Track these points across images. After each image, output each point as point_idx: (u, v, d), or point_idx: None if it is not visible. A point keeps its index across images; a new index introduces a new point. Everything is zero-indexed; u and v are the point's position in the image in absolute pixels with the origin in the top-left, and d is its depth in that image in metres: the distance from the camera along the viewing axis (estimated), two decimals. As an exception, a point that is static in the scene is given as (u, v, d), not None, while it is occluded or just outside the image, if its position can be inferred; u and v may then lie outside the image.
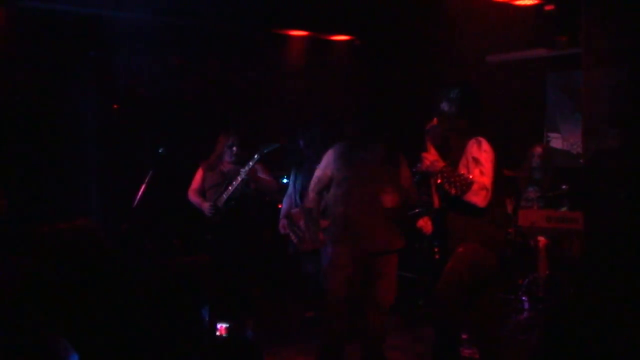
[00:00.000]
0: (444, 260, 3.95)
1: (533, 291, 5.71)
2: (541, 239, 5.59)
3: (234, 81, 7.30)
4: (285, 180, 7.22)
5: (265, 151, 5.37)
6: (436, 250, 4.06)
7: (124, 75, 6.58)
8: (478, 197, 3.71)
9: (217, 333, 3.22)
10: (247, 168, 5.43)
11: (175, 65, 6.98)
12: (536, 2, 6.03)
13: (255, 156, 5.36)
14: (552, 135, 7.03)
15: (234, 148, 5.59)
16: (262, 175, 5.61)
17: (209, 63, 7.21)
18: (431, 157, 3.79)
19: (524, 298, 5.71)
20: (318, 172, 4.59)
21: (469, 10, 6.12)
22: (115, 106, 6.67)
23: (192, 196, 5.66)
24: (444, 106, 4.01)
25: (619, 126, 4.04)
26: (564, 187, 5.69)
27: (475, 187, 3.67)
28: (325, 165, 4.52)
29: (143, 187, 5.43)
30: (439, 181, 3.72)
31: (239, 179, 5.46)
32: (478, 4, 6.03)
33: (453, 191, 3.66)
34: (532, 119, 7.04)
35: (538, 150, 6.13)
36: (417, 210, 4.85)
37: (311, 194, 4.66)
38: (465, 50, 6.90)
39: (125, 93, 6.62)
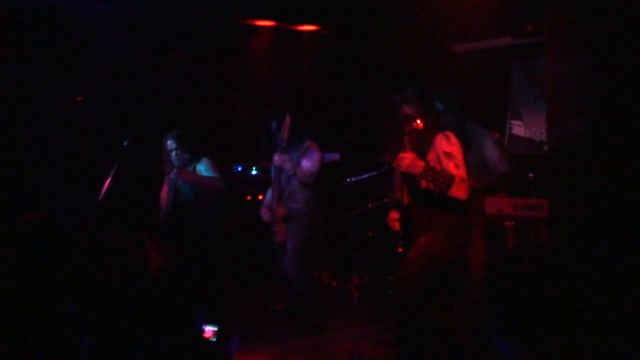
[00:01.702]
0: (406, 253, 3.96)
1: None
2: (508, 223, 5.63)
3: (200, 73, 7.24)
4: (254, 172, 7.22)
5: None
6: (400, 243, 4.05)
7: (89, 66, 6.48)
8: (460, 191, 3.75)
9: (204, 336, 3.17)
10: (174, 172, 5.43)
11: (143, 56, 6.89)
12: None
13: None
14: (515, 122, 7.08)
15: (173, 152, 5.54)
16: (211, 172, 5.56)
17: (175, 54, 7.14)
18: (410, 157, 3.75)
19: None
20: None
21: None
22: (79, 98, 6.57)
23: (161, 199, 5.70)
24: (407, 109, 4.03)
25: (583, 114, 4.08)
26: (530, 175, 5.73)
27: (456, 181, 3.69)
28: None
29: (108, 180, 5.37)
30: (423, 183, 3.71)
31: (172, 184, 5.48)
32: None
33: (438, 189, 3.66)
34: (496, 107, 7.09)
35: (495, 136, 6.16)
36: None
37: None
38: (431, 40, 6.92)
39: (90, 85, 6.53)
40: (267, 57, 7.47)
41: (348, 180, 6.58)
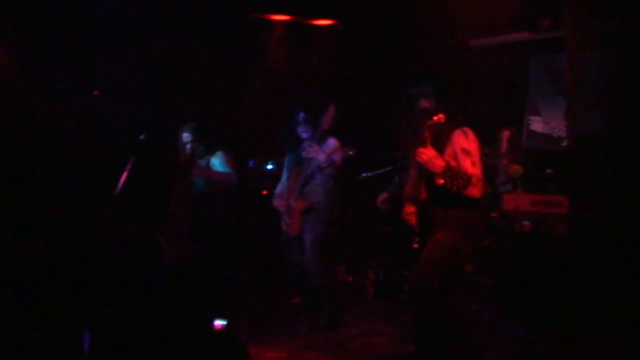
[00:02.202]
0: (422, 248, 3.95)
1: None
2: (526, 223, 5.60)
3: (216, 67, 7.24)
4: (269, 167, 7.22)
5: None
6: (416, 239, 4.04)
7: (105, 61, 6.49)
8: (476, 190, 3.75)
9: (213, 330, 3.19)
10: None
11: (158, 51, 6.90)
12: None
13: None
14: (533, 118, 7.04)
15: (189, 144, 5.56)
16: (225, 166, 5.56)
17: (191, 49, 7.14)
18: (430, 154, 3.72)
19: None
20: None
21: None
22: (95, 92, 6.59)
23: None
24: (424, 103, 4.01)
25: (602, 110, 4.04)
26: (548, 171, 5.70)
27: (473, 180, 3.67)
28: None
29: (125, 174, 5.37)
30: (441, 181, 3.69)
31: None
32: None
33: (455, 188, 3.64)
34: (514, 103, 7.05)
35: (506, 134, 6.12)
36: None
37: None
38: (448, 34, 6.89)
39: (106, 79, 6.54)
40: (282, 52, 7.45)
41: (363, 175, 6.56)
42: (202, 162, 5.65)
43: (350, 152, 6.97)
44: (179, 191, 5.07)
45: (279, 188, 5.65)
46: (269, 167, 7.18)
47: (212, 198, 5.63)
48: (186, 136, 5.60)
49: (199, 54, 7.16)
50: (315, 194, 5.36)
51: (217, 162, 5.64)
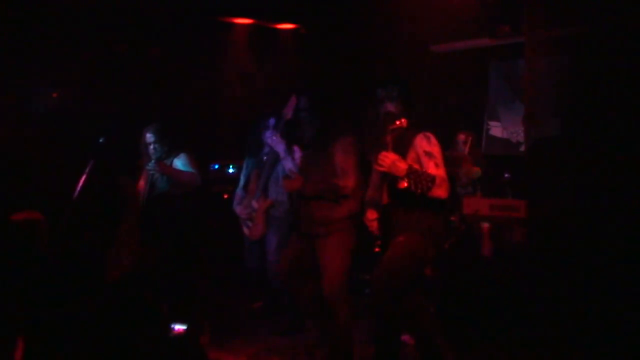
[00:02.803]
0: (384, 252, 3.97)
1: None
2: (485, 224, 5.67)
3: (179, 69, 7.18)
4: (231, 170, 7.19)
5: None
6: (378, 243, 4.06)
7: (65, 61, 6.39)
8: (441, 190, 3.76)
9: (173, 334, 3.15)
10: (152, 163, 5.44)
11: (121, 52, 6.82)
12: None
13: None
14: (492, 123, 7.13)
15: (151, 145, 5.55)
16: (189, 167, 5.54)
17: (154, 51, 7.07)
18: (392, 157, 3.74)
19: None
20: None
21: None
22: (54, 94, 6.48)
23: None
24: (389, 107, 4.03)
25: (560, 115, 4.11)
26: (506, 175, 5.77)
27: (437, 181, 3.70)
28: None
29: (83, 177, 5.29)
30: (404, 184, 3.70)
31: (149, 178, 5.48)
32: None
33: (419, 190, 3.66)
34: (474, 108, 7.13)
35: (461, 137, 6.18)
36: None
37: None
38: (409, 39, 6.94)
39: (66, 80, 6.44)
40: (246, 55, 7.43)
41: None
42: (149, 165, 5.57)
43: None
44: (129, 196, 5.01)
45: (238, 194, 5.63)
46: (231, 170, 7.15)
47: (171, 199, 5.58)
48: (149, 137, 5.56)
49: (161, 56, 7.08)
50: (278, 194, 5.35)
51: (180, 164, 5.59)
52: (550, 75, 4.13)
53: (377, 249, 4.12)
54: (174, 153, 5.62)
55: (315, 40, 7.62)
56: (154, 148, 5.54)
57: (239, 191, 5.64)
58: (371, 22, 6.93)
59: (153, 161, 5.47)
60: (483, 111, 7.18)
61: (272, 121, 5.35)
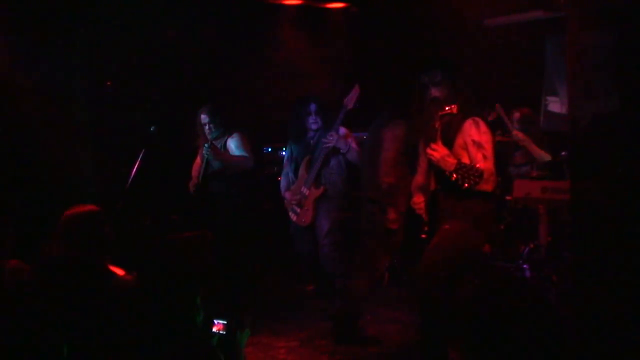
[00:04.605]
0: (430, 239, 3.91)
1: (534, 258, 5.66)
2: (541, 206, 5.52)
3: (229, 53, 7.19)
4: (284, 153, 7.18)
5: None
6: (425, 229, 4.00)
7: (117, 50, 6.47)
8: (488, 185, 3.73)
9: (214, 329, 3.19)
10: (206, 146, 5.51)
11: (170, 37, 6.87)
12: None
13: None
14: (550, 99, 6.90)
15: (206, 125, 5.64)
16: (241, 149, 5.59)
17: (204, 35, 7.09)
18: (442, 151, 3.70)
19: (525, 266, 5.66)
20: None
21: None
22: (109, 83, 6.59)
23: (193, 171, 5.81)
24: (435, 92, 3.94)
25: (597, 94, 3.93)
26: (563, 153, 5.59)
27: (485, 175, 3.63)
28: None
29: (136, 165, 5.41)
30: (453, 177, 3.64)
31: (205, 157, 5.55)
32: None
33: (466, 185, 3.60)
34: (531, 83, 6.91)
35: (516, 115, 6.02)
36: None
37: None
38: (463, 14, 6.76)
39: (118, 69, 6.53)
40: (296, 37, 7.39)
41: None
42: (218, 144, 5.71)
43: (365, 137, 6.91)
44: None
45: (284, 180, 5.64)
46: (284, 153, 7.14)
47: (226, 178, 5.71)
48: (204, 117, 5.67)
49: (212, 39, 7.09)
50: (331, 181, 5.37)
51: (233, 144, 5.70)
52: (595, 51, 3.92)
53: (423, 235, 4.07)
54: (228, 133, 5.72)
55: (366, 19, 7.50)
56: (209, 128, 5.66)
57: (284, 177, 5.65)
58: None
59: (208, 145, 5.56)
60: (540, 86, 6.95)
61: (313, 107, 5.32)
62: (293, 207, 5.50)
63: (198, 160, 5.80)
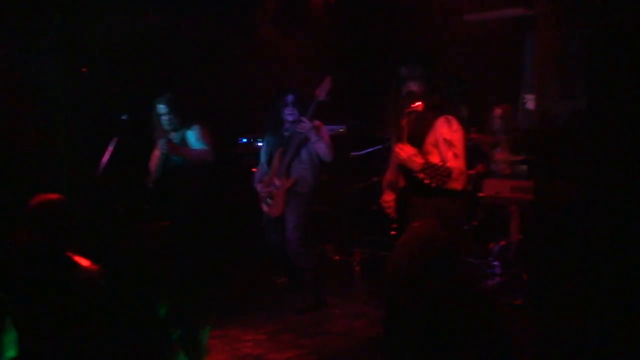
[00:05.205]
0: (400, 236, 3.90)
1: (505, 256, 5.67)
2: (513, 205, 5.53)
3: (208, 43, 7.12)
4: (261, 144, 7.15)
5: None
6: (394, 226, 4.00)
7: (95, 36, 6.39)
8: (458, 183, 3.73)
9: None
10: (162, 141, 5.35)
11: (150, 25, 6.78)
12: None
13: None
14: (528, 97, 6.88)
15: (164, 116, 5.44)
16: (201, 142, 5.47)
17: (182, 24, 7.02)
18: (408, 151, 3.71)
19: (495, 263, 5.68)
20: None
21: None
22: (84, 70, 6.49)
23: (151, 164, 5.62)
24: (412, 86, 3.92)
25: (566, 94, 3.93)
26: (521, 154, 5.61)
27: (454, 174, 3.65)
28: None
29: (107, 154, 5.36)
30: (420, 176, 3.65)
31: (162, 150, 5.40)
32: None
33: (434, 184, 3.62)
34: (510, 80, 6.91)
35: (497, 111, 6.02)
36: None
37: None
38: (443, 8, 6.76)
39: (94, 56, 6.44)
40: (274, 28, 7.34)
41: (352, 154, 6.49)
42: (176, 136, 5.51)
43: (341, 130, 6.91)
44: None
45: (259, 172, 5.60)
46: (260, 144, 7.11)
47: (185, 172, 5.51)
48: (162, 108, 5.44)
49: (191, 27, 7.01)
50: (301, 174, 5.33)
51: (192, 137, 5.49)
52: (566, 50, 3.92)
53: (393, 232, 4.07)
54: (187, 125, 5.50)
55: (346, 11, 7.46)
56: (167, 119, 5.43)
57: (260, 168, 5.62)
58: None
59: (164, 140, 5.37)
60: (519, 84, 6.95)
61: (290, 98, 5.28)
62: (266, 198, 5.48)
63: (156, 153, 5.59)
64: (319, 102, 5.13)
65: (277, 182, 5.36)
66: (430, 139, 3.84)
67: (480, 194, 5.63)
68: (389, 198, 4.20)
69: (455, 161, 3.73)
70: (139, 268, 3.12)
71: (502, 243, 5.68)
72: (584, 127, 3.71)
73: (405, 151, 3.70)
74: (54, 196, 3.41)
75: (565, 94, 3.90)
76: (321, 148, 5.22)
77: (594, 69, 3.68)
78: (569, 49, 3.88)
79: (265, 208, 5.44)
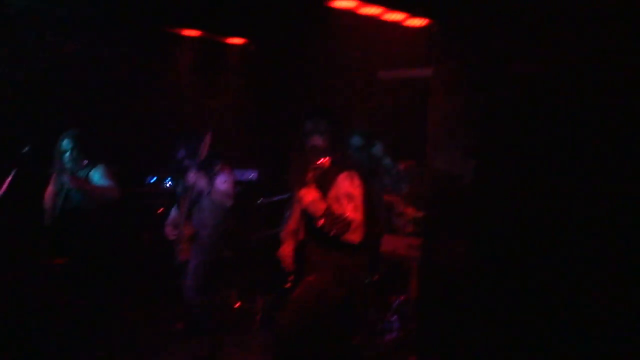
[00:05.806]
0: (294, 288, 3.92)
1: (403, 310, 5.74)
2: (414, 263, 5.62)
3: (125, 77, 7.03)
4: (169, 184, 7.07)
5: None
6: (290, 279, 4.01)
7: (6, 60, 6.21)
8: (355, 235, 3.78)
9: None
10: (66, 177, 5.19)
11: (69, 52, 6.65)
12: (425, 23, 6.08)
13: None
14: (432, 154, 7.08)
15: (67, 152, 5.29)
16: (105, 180, 5.34)
17: (103, 54, 6.90)
18: (313, 195, 3.76)
19: (394, 317, 5.74)
20: None
21: (360, 26, 6.14)
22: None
23: (46, 201, 5.40)
24: (316, 140, 3.98)
25: (455, 157, 4.09)
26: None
27: (353, 225, 3.70)
28: None
29: (4, 187, 5.16)
30: (321, 222, 3.69)
31: (64, 187, 5.25)
32: (368, 21, 6.05)
33: (333, 232, 3.66)
34: (418, 137, 7.10)
35: (401, 167, 6.16)
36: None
37: None
38: (358, 63, 6.92)
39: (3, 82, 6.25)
40: (192, 68, 7.33)
41: (260, 200, 6.49)
42: (80, 175, 5.33)
43: (251, 176, 6.92)
44: None
45: (171, 215, 5.56)
46: (169, 184, 7.03)
47: (86, 214, 5.34)
48: (66, 143, 5.29)
49: (110, 59, 6.89)
50: (203, 221, 5.33)
51: (96, 176, 5.34)
52: (460, 114, 4.09)
53: (288, 285, 4.08)
54: (92, 164, 5.37)
55: (263, 58, 7.54)
56: (71, 157, 5.28)
57: (172, 212, 5.57)
58: (321, 45, 6.88)
59: (67, 175, 5.21)
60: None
61: (181, 153, 5.29)
62: (174, 242, 5.43)
63: (50, 189, 5.38)
64: (202, 160, 5.16)
65: (181, 228, 5.34)
66: (332, 194, 3.90)
67: (381, 249, 5.71)
68: (287, 250, 4.22)
69: (354, 213, 3.79)
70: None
71: (402, 298, 5.77)
72: (472, 188, 3.84)
73: (310, 195, 3.74)
74: None
75: (455, 157, 4.04)
76: (216, 197, 5.24)
77: (482, 135, 3.84)
78: (459, 115, 4.04)
79: (176, 251, 5.39)
